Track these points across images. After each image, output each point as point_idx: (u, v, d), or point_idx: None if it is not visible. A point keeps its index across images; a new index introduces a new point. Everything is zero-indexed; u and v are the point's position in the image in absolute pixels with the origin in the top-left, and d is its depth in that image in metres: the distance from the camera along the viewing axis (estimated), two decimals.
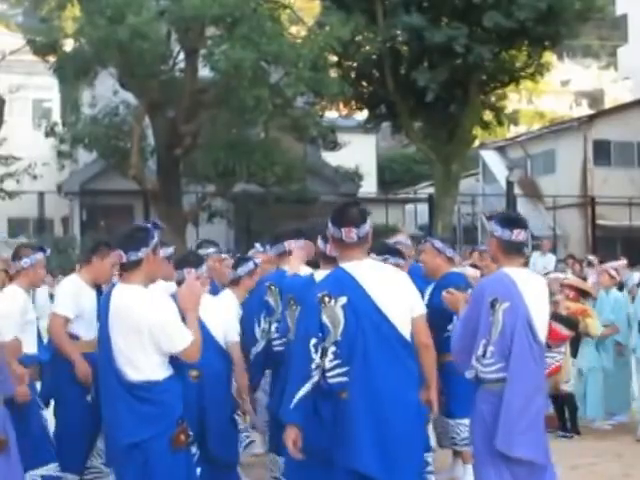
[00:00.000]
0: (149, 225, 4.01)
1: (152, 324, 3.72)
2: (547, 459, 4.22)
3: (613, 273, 8.68)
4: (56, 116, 20.75)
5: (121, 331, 3.77)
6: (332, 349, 3.75)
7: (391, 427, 3.69)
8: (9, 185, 19.29)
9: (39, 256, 5.13)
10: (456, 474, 6.07)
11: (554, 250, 21.21)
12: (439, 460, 6.21)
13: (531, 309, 4.20)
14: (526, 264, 4.56)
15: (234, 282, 5.64)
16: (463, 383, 4.73)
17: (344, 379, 3.75)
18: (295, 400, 3.76)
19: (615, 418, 8.29)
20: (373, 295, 3.79)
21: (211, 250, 5.51)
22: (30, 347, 4.96)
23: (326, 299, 3.78)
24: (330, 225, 3.94)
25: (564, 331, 6.86)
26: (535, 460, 4.14)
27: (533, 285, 4.32)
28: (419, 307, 3.96)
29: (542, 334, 4.29)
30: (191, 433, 3.86)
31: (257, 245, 6.63)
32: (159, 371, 3.78)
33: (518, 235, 4.29)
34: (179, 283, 4.96)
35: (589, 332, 7.80)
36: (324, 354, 3.76)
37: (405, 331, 3.82)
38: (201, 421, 4.71)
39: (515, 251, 4.32)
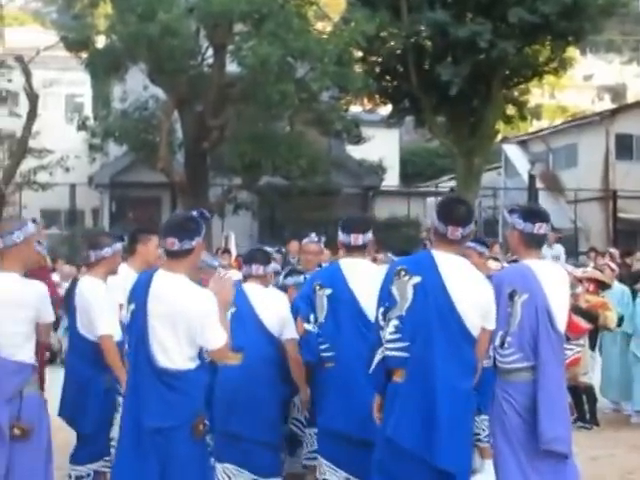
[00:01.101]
0: (198, 215, 3.98)
1: (192, 318, 3.73)
2: (570, 450, 4.25)
3: (613, 266, 8.85)
4: (88, 110, 21.05)
5: (160, 318, 3.77)
6: (395, 322, 3.86)
7: (441, 411, 3.76)
8: (42, 177, 19.63)
9: (119, 245, 5.17)
10: (475, 465, 6.07)
11: (575, 243, 21.35)
12: None
13: (551, 300, 4.23)
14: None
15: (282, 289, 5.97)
16: (488, 380, 4.98)
17: (402, 354, 3.84)
18: (371, 370, 3.90)
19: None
20: (448, 283, 3.86)
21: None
22: (118, 335, 4.97)
23: (402, 272, 3.89)
24: (436, 218, 3.99)
25: (584, 324, 7.05)
26: (560, 450, 4.17)
27: (553, 276, 4.35)
28: (492, 322, 4.02)
29: (561, 325, 4.30)
30: (207, 422, 3.88)
31: (312, 235, 6.71)
32: (190, 362, 3.80)
33: (540, 228, 4.32)
34: (246, 279, 5.17)
35: (607, 325, 7.78)
36: (387, 325, 3.88)
37: (471, 325, 3.87)
38: (246, 402, 4.88)
39: (536, 244, 4.36)
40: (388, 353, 3.89)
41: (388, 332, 3.88)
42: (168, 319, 3.77)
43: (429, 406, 3.78)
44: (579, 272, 8.60)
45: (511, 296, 4.20)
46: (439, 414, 3.77)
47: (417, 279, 3.87)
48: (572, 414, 7.23)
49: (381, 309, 3.93)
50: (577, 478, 4.33)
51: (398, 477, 3.85)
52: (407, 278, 3.88)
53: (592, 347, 8.25)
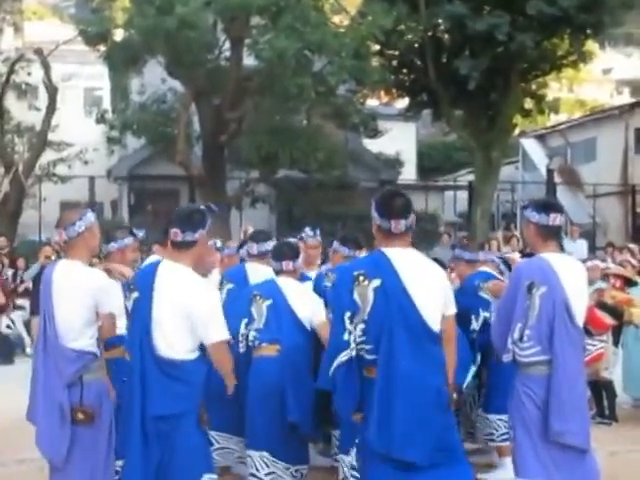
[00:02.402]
0: (204, 208, 4.12)
1: (197, 311, 3.83)
2: (589, 445, 4.27)
3: (634, 262, 8.79)
4: (106, 103, 21.20)
5: (165, 308, 3.86)
6: (361, 326, 3.88)
7: (407, 408, 3.79)
8: (61, 170, 19.74)
9: (127, 241, 5.23)
10: (493, 459, 6.16)
11: (593, 238, 21.23)
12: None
13: (569, 293, 4.23)
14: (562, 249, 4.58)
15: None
16: (502, 379, 4.93)
17: (370, 357, 3.87)
18: (332, 369, 3.91)
19: None
20: (406, 282, 3.86)
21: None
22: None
23: (361, 278, 3.88)
24: (377, 215, 3.98)
25: (608, 320, 7.01)
26: (579, 446, 4.19)
27: (571, 269, 4.34)
28: (452, 307, 4.06)
29: (580, 318, 4.31)
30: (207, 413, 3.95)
31: (307, 229, 6.80)
32: (191, 352, 3.89)
33: (555, 219, 4.32)
34: (277, 273, 5.27)
35: (633, 321, 7.74)
36: (355, 328, 3.89)
37: (431, 321, 3.88)
38: (282, 391, 4.97)
39: (553, 236, 4.36)
40: (360, 353, 3.90)
41: (357, 335, 3.89)
42: (173, 310, 3.84)
43: (396, 404, 3.80)
44: (602, 265, 8.57)
45: (529, 289, 4.19)
46: (397, 412, 3.79)
47: (377, 282, 3.87)
48: (591, 409, 7.22)
49: (347, 313, 3.91)
50: (597, 473, 4.34)
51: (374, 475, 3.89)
52: (367, 283, 3.87)
53: (616, 343, 8.20)
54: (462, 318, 5.48)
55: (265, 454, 5.02)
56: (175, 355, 3.85)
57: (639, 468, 6.39)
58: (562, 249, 4.54)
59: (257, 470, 5.05)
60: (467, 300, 5.78)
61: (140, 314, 3.94)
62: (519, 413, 4.24)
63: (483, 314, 5.78)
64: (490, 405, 5.88)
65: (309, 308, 5.15)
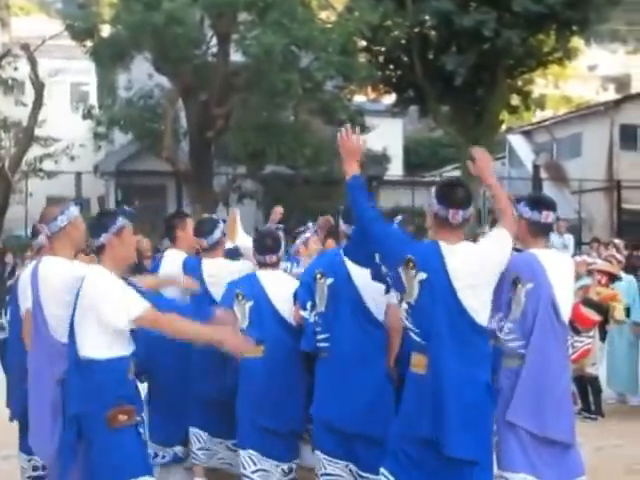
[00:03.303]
0: (116, 210, 4.11)
1: (96, 300, 3.79)
2: (573, 439, 4.23)
3: (620, 257, 8.87)
4: (93, 99, 21.14)
5: (79, 308, 3.86)
6: (405, 306, 3.84)
7: (453, 403, 3.73)
8: (48, 165, 19.73)
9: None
10: None
11: (579, 234, 21.38)
12: None
13: (556, 290, 4.19)
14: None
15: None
16: None
17: (419, 340, 3.81)
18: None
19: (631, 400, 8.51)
20: (453, 276, 3.77)
21: None
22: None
23: (410, 264, 3.79)
24: (435, 203, 3.89)
25: (594, 316, 7.04)
26: (562, 440, 4.17)
27: (559, 266, 4.31)
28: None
29: (566, 315, 4.27)
30: (142, 416, 3.87)
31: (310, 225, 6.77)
32: (100, 350, 3.80)
33: (547, 217, 4.32)
34: (261, 266, 5.19)
35: (614, 316, 7.74)
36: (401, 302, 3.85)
37: (477, 315, 3.79)
38: (264, 390, 4.96)
39: (543, 233, 4.36)
40: (409, 332, 3.86)
41: (403, 309, 3.86)
42: (82, 309, 3.83)
43: (443, 399, 3.77)
44: (589, 260, 8.60)
45: (514, 283, 4.18)
46: (447, 406, 3.76)
47: (423, 276, 3.78)
48: (575, 404, 7.26)
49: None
50: (581, 467, 4.34)
51: (416, 467, 3.83)
52: (414, 273, 3.79)
53: (602, 339, 8.24)
54: None
55: (252, 452, 5.00)
56: (84, 353, 3.81)
57: (624, 463, 6.43)
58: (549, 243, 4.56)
59: (244, 468, 5.04)
60: None
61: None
62: (504, 406, 4.18)
63: None
64: None
65: (290, 302, 5.06)
